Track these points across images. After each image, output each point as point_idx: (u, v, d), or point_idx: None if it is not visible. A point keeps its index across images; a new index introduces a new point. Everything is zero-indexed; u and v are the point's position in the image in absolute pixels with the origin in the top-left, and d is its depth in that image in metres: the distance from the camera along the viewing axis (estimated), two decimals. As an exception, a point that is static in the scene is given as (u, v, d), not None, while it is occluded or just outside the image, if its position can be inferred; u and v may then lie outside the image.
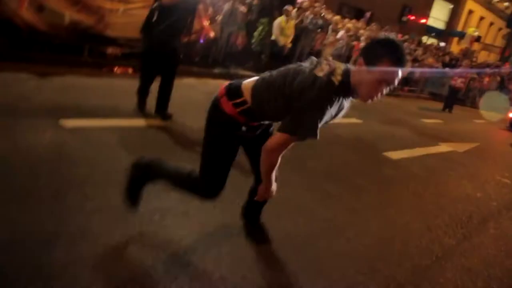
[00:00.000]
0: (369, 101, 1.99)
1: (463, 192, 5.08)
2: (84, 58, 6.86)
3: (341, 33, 11.79)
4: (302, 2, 12.33)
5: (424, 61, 15.40)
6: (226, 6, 8.70)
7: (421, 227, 3.72)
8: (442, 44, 26.46)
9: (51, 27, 6.33)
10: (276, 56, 9.55)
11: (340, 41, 11.49)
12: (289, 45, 10.03)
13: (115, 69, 6.92)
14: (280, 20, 9.57)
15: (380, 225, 3.56)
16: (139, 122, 4.67)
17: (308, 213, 3.43)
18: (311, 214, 3.41)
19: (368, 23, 16.19)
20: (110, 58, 7.10)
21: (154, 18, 4.61)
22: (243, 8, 9.12)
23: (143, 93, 4.96)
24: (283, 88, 2.04)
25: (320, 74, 1.97)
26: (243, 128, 2.24)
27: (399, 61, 1.86)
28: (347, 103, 2.09)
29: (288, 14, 9.65)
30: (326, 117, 1.94)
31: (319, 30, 11.33)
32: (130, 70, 6.90)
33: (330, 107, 1.93)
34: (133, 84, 5.04)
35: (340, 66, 2.01)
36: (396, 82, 1.92)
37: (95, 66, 6.79)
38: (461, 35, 29.03)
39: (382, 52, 1.86)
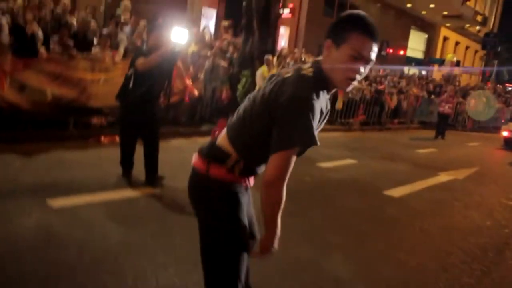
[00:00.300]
0: (350, 87, 1.73)
1: (472, 223, 4.90)
2: (70, 132, 6.77)
3: (323, 75, 11.88)
4: (281, 50, 12.53)
5: (409, 92, 15.54)
6: (207, 63, 8.76)
7: (436, 268, 3.52)
8: (424, 72, 26.96)
9: (34, 105, 6.27)
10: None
11: (323, 83, 11.56)
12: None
13: (102, 139, 6.81)
14: (262, 71, 9.64)
15: (391, 271, 3.36)
16: (129, 192, 4.50)
17: (312, 268, 3.23)
18: (315, 269, 3.21)
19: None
20: (95, 129, 7.02)
21: (130, 84, 4.57)
22: (223, 63, 9.20)
23: (126, 162, 4.88)
24: (256, 114, 1.72)
25: (288, 75, 1.71)
26: (247, 191, 1.87)
27: (369, 31, 1.65)
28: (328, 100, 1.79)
29: (269, 64, 9.74)
30: (317, 116, 1.62)
31: (301, 75, 11.42)
32: (117, 138, 6.79)
33: (318, 97, 1.62)
34: (120, 152, 4.93)
35: (307, 63, 1.79)
36: (373, 56, 1.67)
37: (81, 138, 6.68)
38: (441, 62, 29.63)
39: (349, 26, 1.66)
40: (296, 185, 5.30)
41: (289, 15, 18.77)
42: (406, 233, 4.35)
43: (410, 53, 27.92)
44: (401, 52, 26.13)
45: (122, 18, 8.84)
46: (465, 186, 6.85)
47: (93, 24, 7.73)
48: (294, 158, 1.64)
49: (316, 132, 1.63)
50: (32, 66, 6.24)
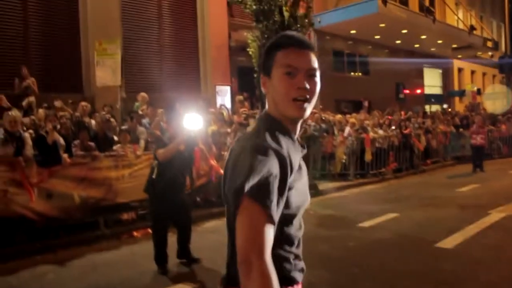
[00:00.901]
0: (303, 111, 1.46)
1: (541, 265, 4.44)
2: (101, 231, 6.68)
3: (347, 130, 11.76)
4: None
5: (436, 130, 15.17)
6: (228, 140, 8.75)
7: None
8: (445, 106, 26.61)
9: (62, 211, 6.28)
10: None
11: (349, 138, 11.41)
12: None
13: (134, 233, 6.71)
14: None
15: None
16: (167, 290, 4.29)
17: None
18: None
19: (369, 110, 16.35)
20: (127, 224, 6.95)
21: (154, 175, 4.77)
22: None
23: (160, 258, 4.84)
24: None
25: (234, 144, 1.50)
26: None
27: (293, 42, 1.47)
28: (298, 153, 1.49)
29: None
30: (278, 165, 1.33)
31: (325, 133, 11.34)
32: (149, 230, 6.67)
33: (277, 143, 1.38)
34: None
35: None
36: (312, 64, 1.47)
37: (114, 236, 6.58)
38: (461, 94, 29.26)
39: (272, 50, 1.49)
40: (339, 252, 4.98)
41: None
42: (471, 290, 3.94)
43: (428, 90, 27.75)
44: (418, 91, 25.98)
45: (140, 111, 9.03)
46: (521, 221, 6.35)
47: (112, 121, 7.89)
48: (264, 220, 1.27)
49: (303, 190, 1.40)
50: (57, 174, 6.32)
